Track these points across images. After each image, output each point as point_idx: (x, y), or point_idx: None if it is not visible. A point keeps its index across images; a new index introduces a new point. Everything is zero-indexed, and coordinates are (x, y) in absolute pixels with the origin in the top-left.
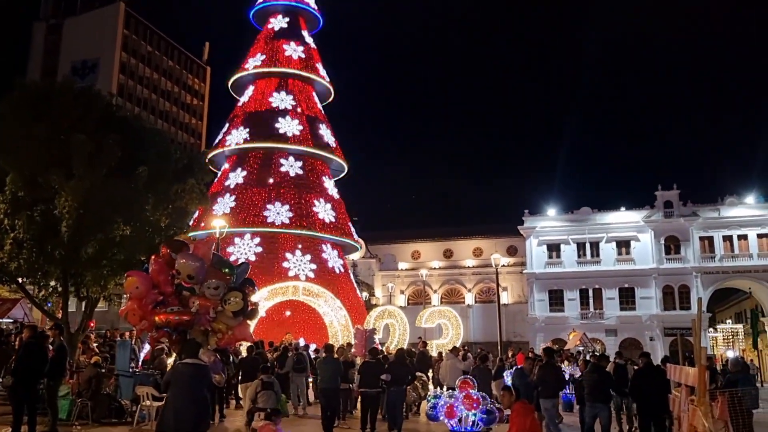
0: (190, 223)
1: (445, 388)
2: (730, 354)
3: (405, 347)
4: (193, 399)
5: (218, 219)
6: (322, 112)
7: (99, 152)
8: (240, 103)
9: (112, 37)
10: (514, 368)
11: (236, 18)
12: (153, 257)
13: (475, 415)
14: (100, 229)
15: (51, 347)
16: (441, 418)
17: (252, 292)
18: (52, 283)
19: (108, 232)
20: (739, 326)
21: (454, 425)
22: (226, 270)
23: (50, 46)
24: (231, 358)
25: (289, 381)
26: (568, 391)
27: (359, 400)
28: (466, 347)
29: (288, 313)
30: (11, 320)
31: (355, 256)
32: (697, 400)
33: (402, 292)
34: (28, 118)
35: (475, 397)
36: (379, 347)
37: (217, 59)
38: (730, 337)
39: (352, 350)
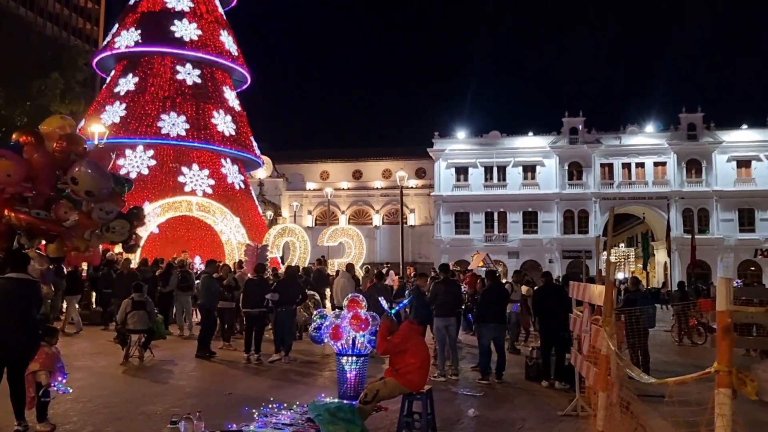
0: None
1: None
2: (620, 276)
3: (306, 266)
4: (19, 321)
5: (98, 125)
6: (224, 17)
7: None
8: (131, 2)
9: None
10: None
11: None
12: (29, 138)
13: (363, 336)
14: None
15: None
16: (326, 340)
17: (141, 224)
18: None
19: None
20: (631, 250)
21: (341, 347)
22: (121, 188)
23: None
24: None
25: (174, 300)
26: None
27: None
28: (368, 266)
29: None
30: None
31: (261, 174)
32: (603, 319)
33: (310, 212)
34: None
35: (363, 317)
36: (280, 266)
37: None
38: (622, 260)
39: (243, 268)
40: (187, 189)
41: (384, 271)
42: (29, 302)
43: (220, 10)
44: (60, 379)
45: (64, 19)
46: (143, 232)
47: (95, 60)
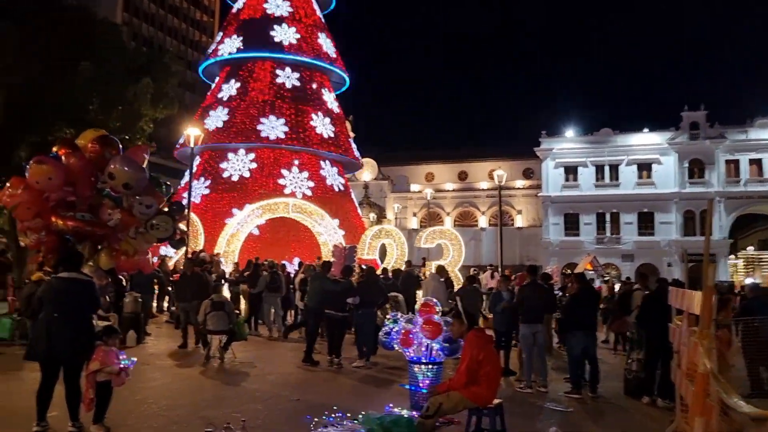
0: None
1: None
2: (749, 281)
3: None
4: (72, 321)
5: (193, 128)
6: (323, 20)
7: (31, 43)
8: (234, 10)
9: None
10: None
11: None
12: (64, 148)
13: (436, 343)
14: (34, 130)
15: None
16: (396, 346)
17: (182, 219)
18: None
19: (44, 134)
20: (764, 253)
21: (412, 354)
22: (159, 187)
23: None
24: (124, 281)
25: (262, 302)
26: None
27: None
28: (474, 269)
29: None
30: None
31: (366, 176)
32: (700, 331)
33: (414, 214)
34: None
35: (436, 323)
36: (379, 266)
37: None
38: (753, 263)
39: (332, 269)
40: (286, 191)
41: (474, 273)
42: (83, 302)
43: (319, 13)
44: (123, 374)
45: (182, 33)
46: (242, 234)
47: (201, 68)
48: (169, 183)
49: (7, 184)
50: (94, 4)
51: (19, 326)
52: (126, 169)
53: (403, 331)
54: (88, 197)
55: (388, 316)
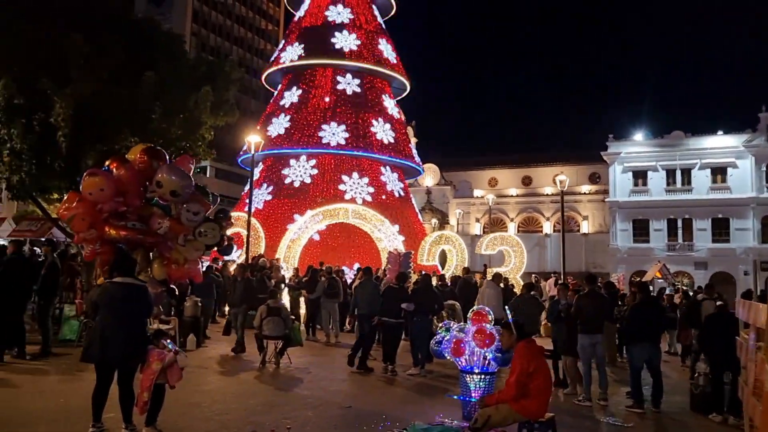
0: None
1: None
2: None
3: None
4: (126, 325)
5: (254, 135)
6: (383, 26)
7: (99, 55)
8: (296, 19)
9: None
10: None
11: None
12: (115, 162)
13: (490, 352)
14: (100, 139)
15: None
16: (447, 355)
17: (229, 226)
18: (56, 196)
19: (110, 143)
20: None
21: (464, 364)
22: (206, 195)
23: None
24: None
25: (320, 307)
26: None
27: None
28: (536, 276)
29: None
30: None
31: (428, 182)
32: (765, 347)
33: (477, 220)
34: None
35: (488, 332)
36: (439, 272)
37: None
38: None
39: (386, 276)
40: (347, 197)
41: (534, 281)
42: (136, 306)
43: (379, 19)
44: (177, 366)
45: (248, 42)
46: (302, 239)
47: (263, 76)
48: (215, 193)
49: (65, 198)
50: (165, 18)
51: (86, 328)
52: (173, 177)
53: (454, 340)
54: (138, 207)
55: (440, 325)
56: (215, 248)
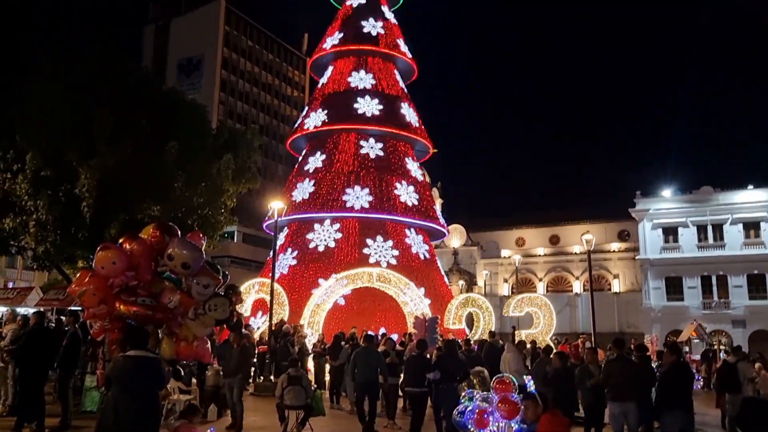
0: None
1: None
2: None
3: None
4: (138, 398)
5: (277, 201)
6: (405, 90)
7: (124, 128)
8: (319, 85)
9: (214, 34)
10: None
11: (334, 7)
12: (127, 238)
13: (515, 423)
14: (123, 209)
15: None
16: (470, 427)
17: (238, 302)
18: (81, 264)
19: (133, 212)
20: None
21: None
22: (216, 270)
23: (159, 46)
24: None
25: (344, 374)
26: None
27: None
28: (567, 338)
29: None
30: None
31: (455, 243)
32: None
33: (505, 280)
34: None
35: (513, 402)
36: (467, 335)
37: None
38: None
39: (412, 342)
40: (371, 260)
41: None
42: (149, 380)
43: (401, 84)
44: None
45: (274, 108)
46: (327, 304)
47: (288, 142)
48: (222, 268)
49: (77, 275)
50: (195, 86)
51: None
52: (184, 251)
53: (477, 411)
54: (149, 282)
55: (463, 394)
56: (225, 324)
